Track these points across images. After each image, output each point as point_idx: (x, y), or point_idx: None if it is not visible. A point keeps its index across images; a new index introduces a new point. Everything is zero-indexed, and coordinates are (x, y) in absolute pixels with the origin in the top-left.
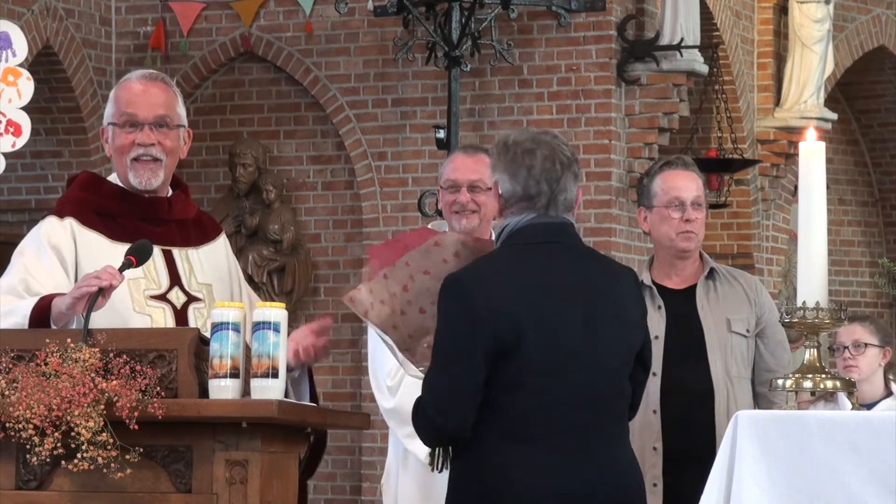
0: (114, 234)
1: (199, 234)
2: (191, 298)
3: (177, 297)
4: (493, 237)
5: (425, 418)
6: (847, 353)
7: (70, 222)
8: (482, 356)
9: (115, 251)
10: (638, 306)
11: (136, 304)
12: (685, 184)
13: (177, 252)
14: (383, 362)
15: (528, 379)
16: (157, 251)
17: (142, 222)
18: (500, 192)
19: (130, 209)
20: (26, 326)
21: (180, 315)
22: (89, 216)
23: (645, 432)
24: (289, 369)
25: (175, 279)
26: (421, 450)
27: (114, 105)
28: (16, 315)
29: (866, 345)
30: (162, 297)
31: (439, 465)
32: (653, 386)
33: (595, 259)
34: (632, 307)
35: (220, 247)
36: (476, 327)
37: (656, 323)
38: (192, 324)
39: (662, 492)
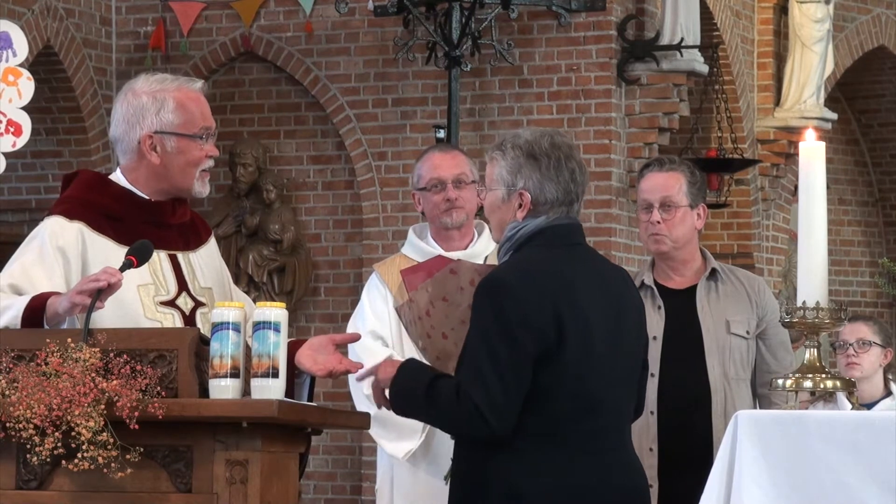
0: (122, 238)
1: (195, 237)
2: (197, 304)
3: (185, 302)
4: (478, 235)
5: (478, 419)
6: (851, 350)
7: (80, 227)
8: (532, 357)
9: (123, 255)
10: (640, 306)
11: (147, 311)
12: (653, 185)
13: (181, 256)
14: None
15: (563, 382)
16: (163, 256)
17: (148, 226)
18: (529, 195)
19: (137, 213)
20: (19, 320)
21: (189, 321)
22: (99, 220)
23: (642, 433)
24: (297, 374)
25: (182, 284)
26: (400, 451)
27: (183, 114)
28: (11, 310)
29: (871, 343)
30: (171, 303)
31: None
32: (650, 387)
33: (604, 261)
34: (637, 307)
35: (213, 248)
36: (525, 327)
37: (655, 323)
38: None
39: (658, 493)
